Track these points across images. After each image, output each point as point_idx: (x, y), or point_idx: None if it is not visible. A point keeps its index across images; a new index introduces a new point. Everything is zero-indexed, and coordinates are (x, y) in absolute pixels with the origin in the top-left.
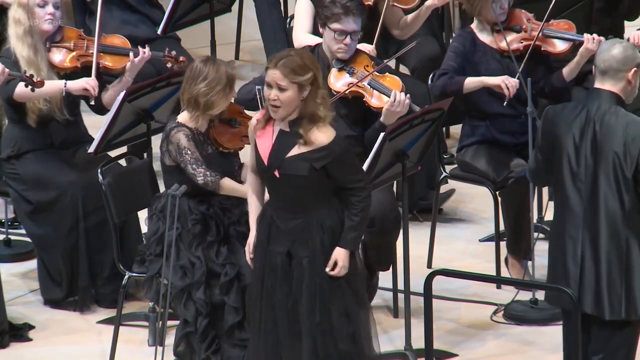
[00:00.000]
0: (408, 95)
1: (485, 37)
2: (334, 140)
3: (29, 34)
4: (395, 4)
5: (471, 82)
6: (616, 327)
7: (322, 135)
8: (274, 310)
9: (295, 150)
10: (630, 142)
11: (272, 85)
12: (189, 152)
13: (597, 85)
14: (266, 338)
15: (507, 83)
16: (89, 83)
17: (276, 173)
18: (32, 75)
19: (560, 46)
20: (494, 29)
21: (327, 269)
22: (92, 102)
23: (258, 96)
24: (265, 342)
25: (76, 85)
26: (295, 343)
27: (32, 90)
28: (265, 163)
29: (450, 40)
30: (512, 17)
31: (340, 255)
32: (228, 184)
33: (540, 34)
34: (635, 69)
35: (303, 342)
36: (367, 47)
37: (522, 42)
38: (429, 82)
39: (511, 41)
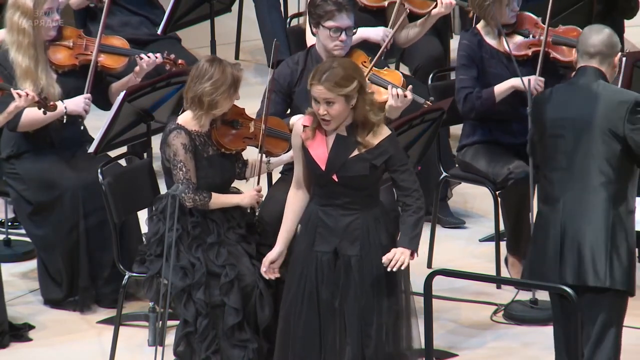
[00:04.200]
0: (410, 86)
1: (491, 40)
2: (389, 136)
3: (32, 46)
4: (411, 8)
5: (500, 91)
6: (603, 304)
7: (379, 137)
8: (318, 312)
9: (355, 153)
10: (616, 107)
11: (319, 100)
12: (183, 169)
13: (582, 64)
14: (304, 341)
15: (537, 88)
16: (85, 109)
17: (334, 177)
18: (46, 98)
19: (569, 53)
20: (501, 32)
21: (384, 260)
22: (82, 127)
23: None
24: (303, 343)
25: (76, 108)
26: (338, 343)
27: (44, 112)
28: (323, 169)
29: (458, 43)
30: (520, 20)
31: (399, 250)
32: (216, 201)
33: (549, 40)
34: (619, 53)
35: (348, 342)
36: (379, 32)
37: (530, 48)
38: (429, 81)
39: (519, 46)
